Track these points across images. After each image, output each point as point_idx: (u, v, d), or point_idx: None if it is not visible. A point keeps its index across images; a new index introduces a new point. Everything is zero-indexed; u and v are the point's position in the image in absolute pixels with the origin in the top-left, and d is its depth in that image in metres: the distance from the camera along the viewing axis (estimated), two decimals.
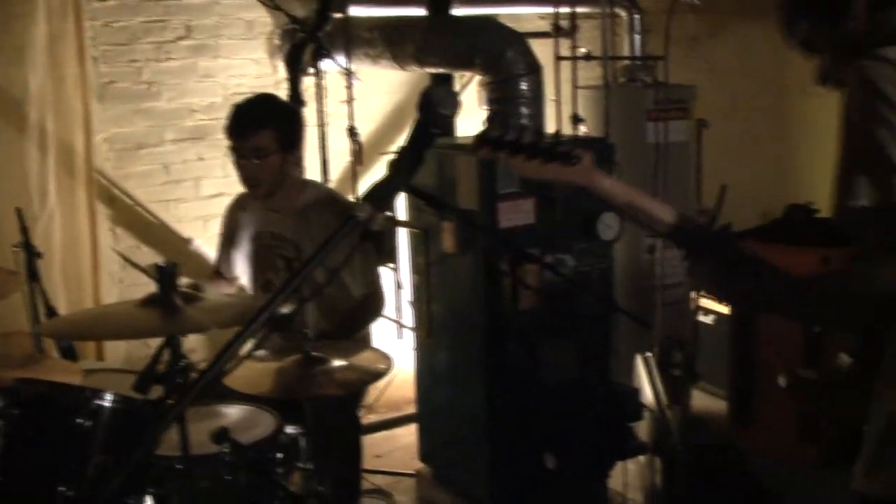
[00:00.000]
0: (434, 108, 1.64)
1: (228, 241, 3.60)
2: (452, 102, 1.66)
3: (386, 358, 2.90)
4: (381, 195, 1.63)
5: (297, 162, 3.47)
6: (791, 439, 3.75)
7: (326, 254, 1.55)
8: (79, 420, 2.42)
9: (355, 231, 1.60)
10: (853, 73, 1.66)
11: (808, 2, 1.88)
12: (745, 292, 1.88)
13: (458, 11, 4.26)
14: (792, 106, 6.09)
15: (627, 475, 3.89)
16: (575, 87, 4.43)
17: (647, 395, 3.85)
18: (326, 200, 3.43)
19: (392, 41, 4.06)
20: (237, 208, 3.59)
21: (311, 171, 4.35)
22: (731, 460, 3.70)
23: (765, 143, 6.08)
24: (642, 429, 3.85)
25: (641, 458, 3.94)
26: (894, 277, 1.53)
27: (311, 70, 4.32)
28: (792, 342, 3.98)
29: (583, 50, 4.71)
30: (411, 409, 4.50)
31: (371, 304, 3.40)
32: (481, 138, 1.82)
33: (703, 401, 4.82)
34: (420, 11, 4.23)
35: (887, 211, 1.54)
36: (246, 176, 3.33)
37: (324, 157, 4.28)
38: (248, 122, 3.28)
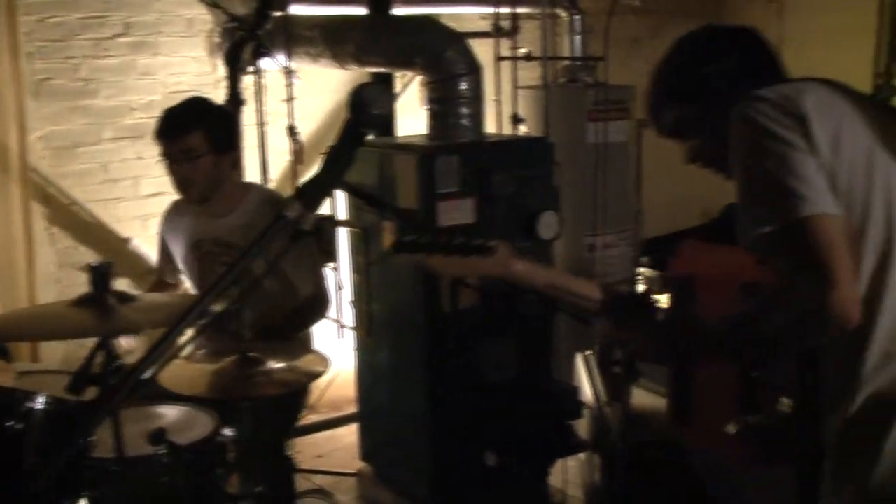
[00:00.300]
0: (365, 106, 1.63)
1: (168, 248, 3.55)
2: (384, 101, 1.65)
3: (323, 359, 2.89)
4: (312, 194, 1.62)
5: (234, 164, 3.42)
6: (729, 437, 3.77)
7: (256, 253, 1.54)
8: (10, 423, 2.39)
9: (285, 230, 1.59)
10: (732, 119, 1.72)
11: (671, 93, 1.96)
12: (690, 348, 1.91)
13: (399, 11, 4.26)
14: None
15: (568, 472, 3.91)
16: (515, 87, 4.46)
17: (588, 392, 3.87)
18: (270, 203, 3.39)
19: (333, 40, 4.04)
20: (175, 214, 3.53)
21: (251, 171, 4.33)
22: (670, 456, 3.73)
23: None
24: (582, 426, 3.87)
25: (582, 455, 3.96)
26: (811, 292, 1.55)
27: (251, 68, 4.29)
28: None
29: (523, 50, 4.73)
30: (352, 409, 4.49)
31: (317, 304, 3.38)
32: (397, 245, 1.84)
33: (643, 398, 4.84)
34: (361, 10, 4.23)
35: (788, 229, 1.59)
36: (178, 179, 3.27)
37: (263, 157, 4.26)
38: (177, 124, 3.23)
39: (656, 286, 5.02)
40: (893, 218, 1.66)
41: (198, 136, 3.21)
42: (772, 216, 1.61)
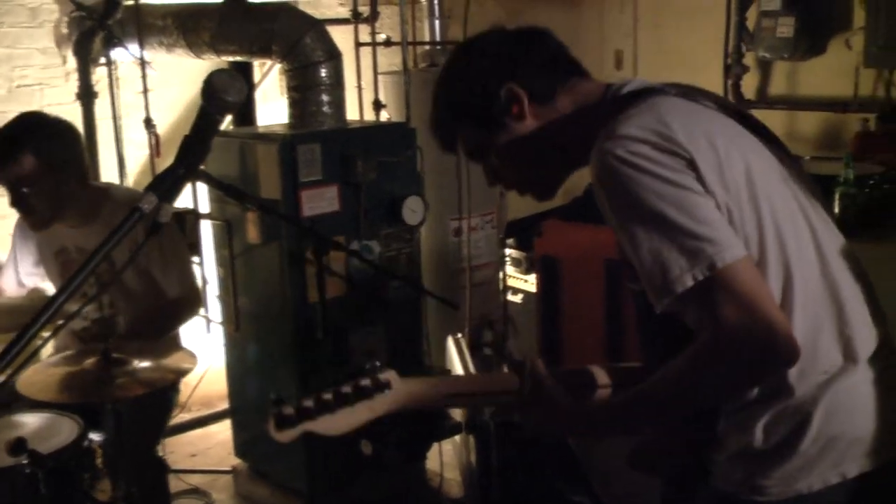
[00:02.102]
0: (218, 93, 1.60)
1: (18, 258, 3.36)
2: (237, 88, 1.62)
3: (191, 356, 2.83)
4: (168, 185, 1.58)
5: (80, 178, 3.13)
6: None
7: (111, 249, 1.49)
8: None
9: (142, 223, 1.55)
10: (603, 166, 1.55)
11: (464, 112, 1.80)
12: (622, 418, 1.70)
13: None
14: None
15: (443, 455, 3.93)
16: (376, 73, 4.44)
17: (458, 374, 3.90)
18: (130, 203, 3.26)
19: (186, 29, 3.95)
20: None
21: (108, 166, 4.20)
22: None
23: None
24: (455, 409, 3.90)
25: (457, 437, 3.99)
26: (751, 341, 1.46)
27: (103, 60, 4.16)
28: (592, 320, 4.13)
29: (383, 36, 4.72)
30: (225, 405, 4.42)
31: (188, 303, 3.28)
32: (277, 422, 1.58)
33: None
34: None
35: (709, 280, 1.47)
36: (18, 207, 3.03)
37: (119, 151, 4.14)
38: (4, 151, 2.97)
39: (522, 267, 5.09)
40: (784, 241, 1.59)
41: (28, 161, 2.95)
42: (689, 271, 1.47)
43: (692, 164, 1.52)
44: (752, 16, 5.21)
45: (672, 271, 1.48)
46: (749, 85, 5.45)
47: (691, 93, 1.71)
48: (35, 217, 3.07)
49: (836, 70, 4.99)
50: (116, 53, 4.15)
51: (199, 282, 3.73)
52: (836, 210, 3.49)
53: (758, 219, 1.57)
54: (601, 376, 1.85)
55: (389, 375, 1.62)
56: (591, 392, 1.82)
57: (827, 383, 1.58)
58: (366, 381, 1.60)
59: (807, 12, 4.96)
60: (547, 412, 1.72)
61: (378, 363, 1.62)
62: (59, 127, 3.14)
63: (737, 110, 1.76)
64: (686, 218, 1.48)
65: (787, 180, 1.68)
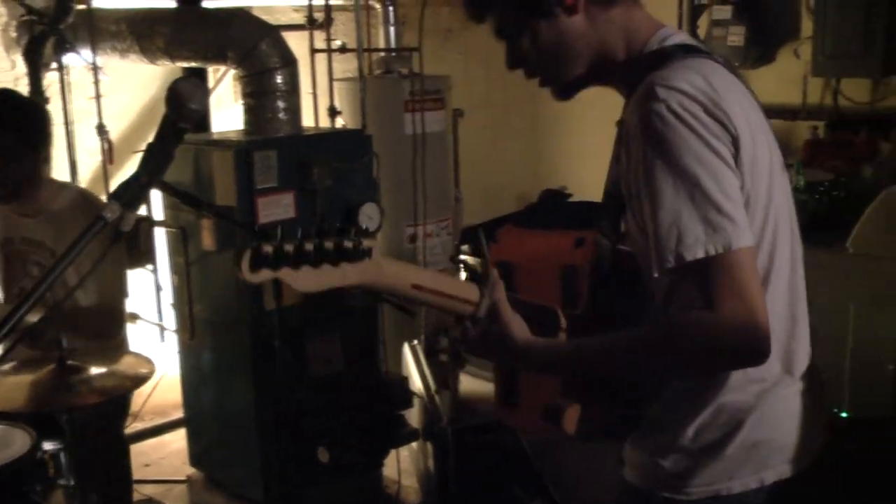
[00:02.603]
0: (182, 102, 1.59)
1: None
2: (201, 96, 1.60)
3: (148, 362, 2.80)
4: (131, 194, 1.56)
5: (47, 160, 3.21)
6: None
7: (75, 256, 1.48)
8: None
9: (105, 232, 1.53)
10: (649, 106, 1.50)
11: None
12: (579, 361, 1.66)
13: (209, 3, 4.16)
14: (545, 95, 6.33)
15: (401, 462, 3.93)
16: (331, 79, 4.43)
17: (416, 382, 3.91)
18: (82, 203, 3.23)
19: (140, 34, 3.91)
20: None
21: (60, 171, 4.14)
22: (499, 439, 3.81)
23: (519, 131, 6.29)
24: (413, 415, 3.90)
25: (414, 444, 4.00)
26: (732, 330, 1.44)
27: (54, 65, 4.10)
28: None
29: (338, 42, 4.71)
30: (179, 414, 4.38)
31: (109, 316, 3.21)
32: (254, 259, 1.49)
33: (471, 384, 4.92)
34: (169, 3, 4.11)
35: (717, 258, 1.44)
36: None
37: (72, 157, 4.09)
38: None
39: (478, 273, 5.09)
40: (774, 252, 1.59)
41: (8, 136, 3.00)
42: (704, 244, 1.44)
43: (736, 141, 1.50)
44: (703, 24, 5.28)
45: (687, 238, 1.45)
46: None
47: (729, 65, 1.67)
48: (5, 192, 3.07)
49: (785, 78, 5.07)
50: (68, 58, 4.09)
51: (154, 289, 3.70)
52: None
53: (764, 218, 1.57)
54: (563, 320, 1.82)
55: (371, 244, 1.55)
56: (554, 334, 1.79)
57: (764, 392, 1.61)
58: (349, 243, 1.52)
59: (757, 22, 5.04)
60: (495, 337, 1.68)
61: (363, 232, 1.55)
62: (36, 106, 3.21)
63: (751, 92, 1.72)
64: (717, 190, 1.46)
65: (785, 181, 1.68)
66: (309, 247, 1.48)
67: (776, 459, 1.63)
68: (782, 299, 1.62)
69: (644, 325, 1.54)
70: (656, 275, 1.50)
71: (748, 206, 1.52)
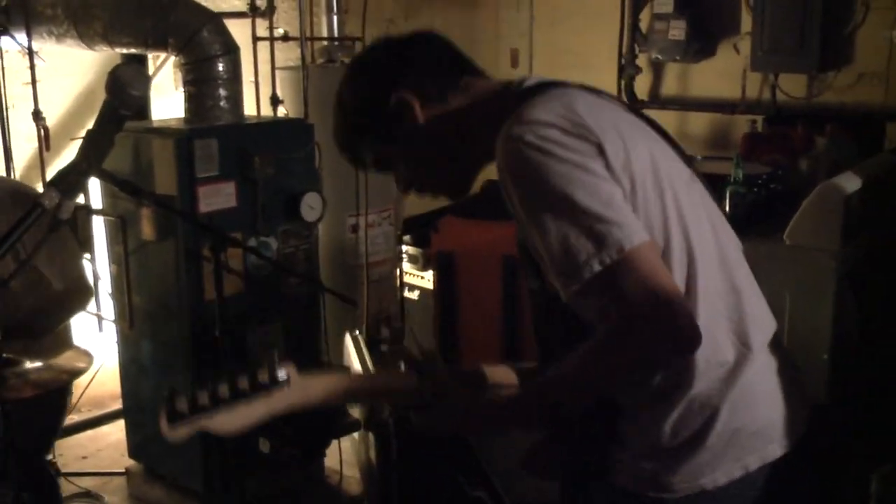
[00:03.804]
0: (123, 88, 1.56)
1: None
2: (142, 82, 1.58)
3: (85, 355, 2.76)
4: (70, 181, 1.53)
5: None
6: None
7: (11, 245, 1.45)
8: None
9: (42, 220, 1.50)
10: (509, 151, 1.53)
11: (360, 132, 1.79)
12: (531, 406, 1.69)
13: None
14: None
15: (343, 452, 3.93)
16: (273, 68, 4.40)
17: (358, 371, 3.89)
18: (14, 196, 3.17)
19: (77, 18, 3.83)
20: None
21: None
22: None
23: None
24: (354, 406, 3.89)
25: (356, 434, 3.99)
26: (654, 327, 1.46)
27: None
28: (489, 316, 4.18)
29: (280, 30, 4.67)
30: (117, 405, 4.32)
31: (73, 298, 3.20)
32: (170, 417, 1.50)
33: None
34: None
35: (616, 264, 1.46)
36: None
37: (6, 144, 4.00)
38: None
39: (419, 264, 5.10)
40: (688, 231, 1.60)
41: None
42: (597, 256, 1.46)
43: (601, 150, 1.51)
44: (645, 18, 5.33)
45: (580, 256, 1.47)
46: (642, 86, 5.58)
47: (591, 89, 1.72)
48: None
49: (724, 73, 5.14)
50: (2, 42, 4.00)
51: (91, 278, 3.64)
52: (727, 208, 3.59)
53: (662, 207, 1.58)
54: (494, 373, 1.86)
55: (288, 370, 1.58)
56: (482, 391, 1.83)
57: (729, 376, 1.61)
58: (263, 376, 1.54)
59: (697, 16, 5.11)
60: (448, 411, 1.72)
61: (276, 355, 1.57)
62: None
63: (634, 109, 1.78)
64: (593, 202, 1.47)
65: (688, 176, 1.70)
66: (223, 390, 1.50)
67: (755, 444, 1.64)
68: (716, 280, 1.63)
69: (578, 347, 1.54)
70: (564, 300, 1.52)
71: (636, 205, 1.54)
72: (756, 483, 1.65)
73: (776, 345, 1.71)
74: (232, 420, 1.52)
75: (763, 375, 1.66)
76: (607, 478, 1.72)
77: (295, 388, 1.58)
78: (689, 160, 1.79)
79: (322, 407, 1.66)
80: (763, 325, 1.69)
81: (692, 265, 1.59)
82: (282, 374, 1.55)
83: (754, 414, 1.64)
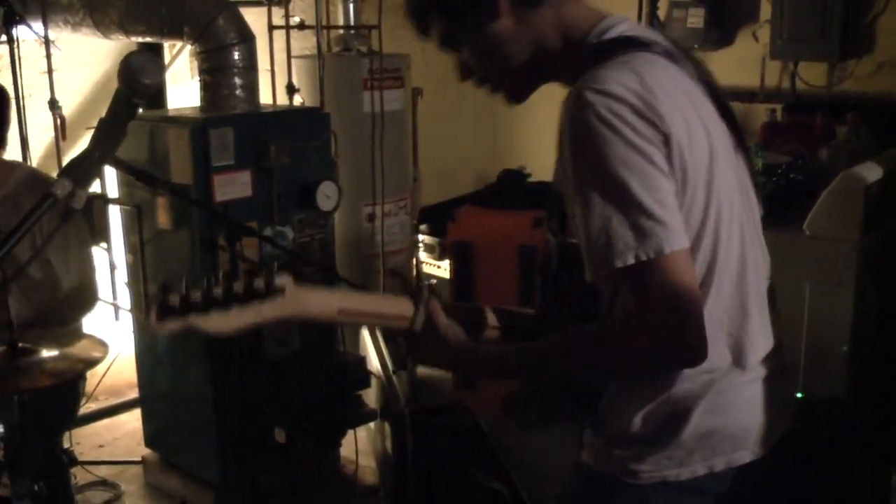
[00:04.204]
0: (136, 76, 1.55)
1: None
2: (156, 71, 1.56)
3: (101, 344, 2.76)
4: (82, 170, 1.52)
5: (2, 143, 3.15)
6: None
7: (24, 234, 1.44)
8: None
9: (55, 209, 1.49)
10: (577, 109, 1.49)
11: (437, 3, 1.70)
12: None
13: None
14: None
15: (358, 442, 3.92)
16: (289, 56, 4.38)
17: (374, 362, 3.89)
18: (35, 182, 3.15)
19: (93, 7, 3.83)
20: None
21: (10, 148, 4.06)
22: (456, 420, 3.80)
23: (478, 111, 6.26)
24: (370, 396, 3.89)
25: (371, 424, 3.99)
26: (667, 334, 1.45)
27: (4, 38, 4.01)
28: (505, 304, 4.15)
29: (296, 19, 4.65)
30: (134, 395, 4.33)
31: (80, 297, 3.18)
32: (160, 312, 1.49)
33: None
34: None
35: (650, 263, 1.44)
36: None
37: (23, 133, 3.99)
38: None
39: (436, 253, 5.09)
40: (718, 244, 1.58)
41: None
42: (634, 250, 1.44)
43: (667, 140, 1.48)
44: (663, 6, 5.28)
45: (617, 245, 1.45)
46: None
47: (674, 52, 1.65)
48: None
49: (743, 61, 5.09)
50: (19, 31, 3.99)
51: (105, 269, 3.64)
52: None
53: (704, 216, 1.55)
54: (490, 317, 1.86)
55: (284, 281, 1.55)
56: (479, 332, 1.83)
57: (711, 382, 1.60)
58: (259, 283, 1.52)
59: (716, 4, 5.06)
60: (437, 347, 1.71)
61: (275, 266, 1.56)
62: None
63: (709, 81, 1.71)
64: (647, 194, 1.45)
65: (737, 174, 1.67)
66: (217, 291, 1.49)
67: (727, 447, 1.63)
68: (729, 294, 1.61)
69: (583, 326, 1.55)
70: (588, 280, 1.51)
71: (683, 202, 1.52)
72: (720, 483, 1.64)
73: (771, 357, 1.69)
74: (222, 322, 1.51)
75: (747, 386, 1.65)
76: (582, 456, 1.74)
77: (289, 298, 1.55)
78: (740, 135, 1.74)
79: (313, 321, 1.65)
80: (762, 344, 1.68)
81: (709, 276, 1.58)
82: (278, 282, 1.53)
83: (729, 419, 1.63)
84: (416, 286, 1.74)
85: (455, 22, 1.68)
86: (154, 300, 1.47)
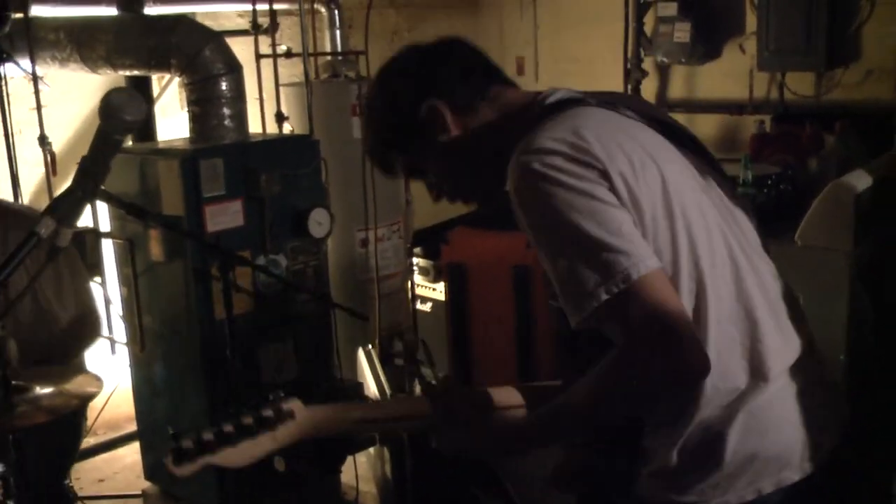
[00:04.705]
0: (117, 114, 1.56)
1: None
2: (136, 107, 1.57)
3: (96, 379, 2.75)
4: (66, 208, 1.53)
5: None
6: None
7: (7, 276, 1.44)
8: None
9: (39, 248, 1.49)
10: (518, 179, 1.54)
11: (389, 144, 1.80)
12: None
13: (152, 10, 4.11)
14: None
15: (358, 468, 3.91)
16: (277, 84, 4.39)
17: (371, 387, 3.88)
18: (24, 221, 3.15)
19: (81, 42, 3.84)
20: None
21: (0, 185, 4.07)
22: None
23: None
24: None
25: (371, 449, 3.97)
26: (662, 356, 1.46)
27: None
28: (502, 326, 4.15)
29: (283, 47, 4.67)
30: (133, 427, 4.32)
31: (84, 328, 3.19)
32: (175, 456, 1.55)
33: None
34: (110, 10, 4.04)
35: (623, 293, 1.45)
36: None
37: (13, 170, 4.00)
38: None
39: (430, 276, 5.08)
40: (698, 257, 1.58)
41: None
42: (603, 284, 1.45)
43: (605, 175, 1.51)
44: (649, 21, 5.31)
45: (587, 286, 1.47)
46: (648, 89, 5.55)
47: (614, 102, 1.70)
48: None
49: (731, 73, 5.11)
50: (6, 69, 4.01)
51: (99, 303, 3.63)
52: None
53: (672, 234, 1.56)
54: (512, 396, 1.86)
55: (293, 405, 1.59)
56: (489, 413, 1.84)
57: (738, 402, 1.58)
58: (268, 412, 1.57)
59: (702, 18, 5.09)
60: (463, 435, 1.74)
61: (282, 393, 1.60)
62: None
63: (659, 118, 1.75)
64: (600, 230, 1.47)
65: (706, 191, 1.68)
66: (228, 428, 1.54)
67: (773, 468, 1.61)
68: (729, 307, 1.60)
69: (587, 375, 1.54)
70: (573, 327, 1.51)
71: (645, 231, 1.53)
72: (780, 501, 1.61)
73: (802, 368, 1.66)
74: (237, 455, 1.56)
75: (779, 402, 1.63)
76: (629, 489, 1.70)
77: (301, 420, 1.60)
78: (714, 167, 1.77)
79: (333, 437, 1.69)
80: (784, 351, 1.65)
81: (702, 293, 1.57)
82: (286, 407, 1.58)
83: (769, 440, 1.61)
84: (428, 383, 1.78)
85: (412, 152, 1.77)
86: (169, 448, 1.52)
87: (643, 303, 1.45)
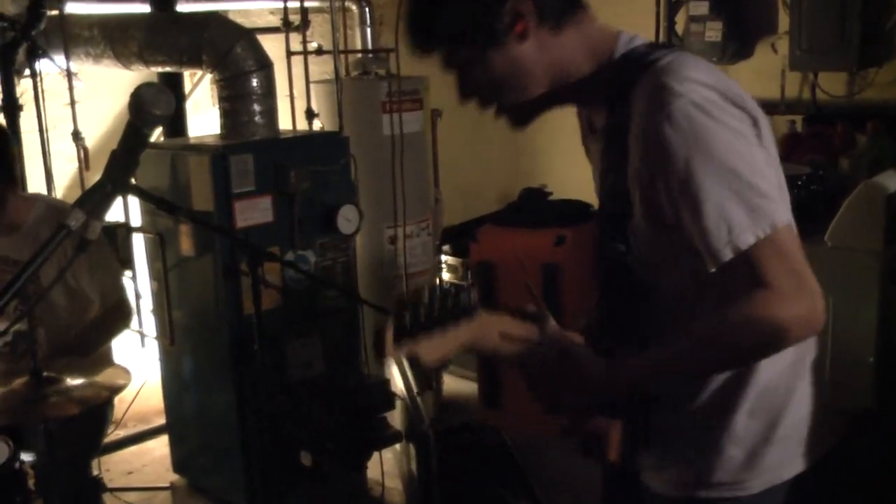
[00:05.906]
0: (145, 107, 1.58)
1: None
2: (165, 102, 1.59)
3: (125, 372, 2.78)
4: (96, 201, 1.55)
5: (10, 183, 3.09)
6: (536, 415, 3.89)
7: (39, 266, 1.46)
8: None
9: (69, 240, 1.52)
10: (662, 101, 1.47)
11: (456, 26, 1.63)
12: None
13: (184, 7, 4.15)
14: None
15: (384, 464, 3.92)
16: (308, 81, 4.42)
17: (398, 383, 3.89)
18: (56, 214, 3.18)
19: (114, 39, 3.89)
20: None
21: (35, 180, 4.12)
22: (482, 439, 3.80)
23: (498, 130, 6.26)
24: (396, 417, 3.89)
25: (397, 445, 3.98)
26: (796, 306, 1.43)
27: (27, 72, 4.07)
28: None
29: (314, 44, 4.70)
30: (161, 421, 4.36)
31: (117, 315, 3.23)
32: (399, 330, 1.52)
33: (454, 384, 4.93)
34: (143, 7, 4.09)
35: (768, 239, 1.43)
36: None
37: (47, 165, 4.05)
38: None
39: (459, 273, 5.09)
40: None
41: None
42: (751, 228, 1.43)
43: (756, 123, 1.50)
44: (681, 21, 5.28)
45: (736, 227, 1.43)
46: None
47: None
48: None
49: (763, 73, 5.07)
50: (41, 65, 4.06)
51: (131, 294, 3.67)
52: None
53: (780, 189, 1.54)
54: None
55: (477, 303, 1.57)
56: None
57: (796, 363, 1.63)
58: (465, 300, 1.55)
59: (734, 17, 5.05)
60: (573, 372, 1.62)
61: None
62: None
63: None
64: (752, 173, 1.45)
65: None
66: (437, 307, 1.53)
67: (797, 451, 1.66)
68: None
69: (707, 321, 1.50)
70: (711, 270, 1.47)
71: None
72: (777, 497, 1.64)
73: (818, 367, 1.70)
74: (433, 348, 1.53)
75: (805, 384, 1.68)
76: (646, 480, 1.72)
77: (481, 318, 1.57)
78: None
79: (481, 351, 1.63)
80: (811, 347, 1.70)
81: None
82: (473, 301, 1.56)
83: (797, 419, 1.66)
84: (535, 312, 1.70)
85: (476, 44, 1.62)
86: (389, 321, 1.53)
87: (782, 252, 1.44)
